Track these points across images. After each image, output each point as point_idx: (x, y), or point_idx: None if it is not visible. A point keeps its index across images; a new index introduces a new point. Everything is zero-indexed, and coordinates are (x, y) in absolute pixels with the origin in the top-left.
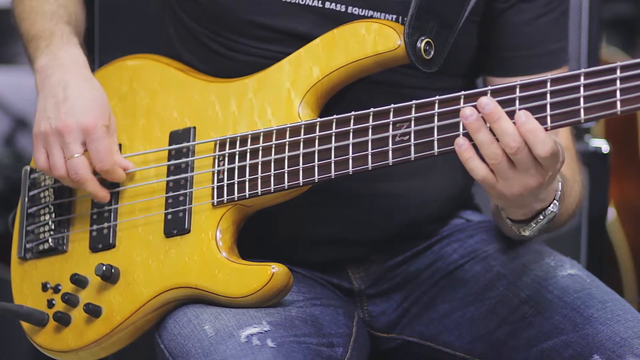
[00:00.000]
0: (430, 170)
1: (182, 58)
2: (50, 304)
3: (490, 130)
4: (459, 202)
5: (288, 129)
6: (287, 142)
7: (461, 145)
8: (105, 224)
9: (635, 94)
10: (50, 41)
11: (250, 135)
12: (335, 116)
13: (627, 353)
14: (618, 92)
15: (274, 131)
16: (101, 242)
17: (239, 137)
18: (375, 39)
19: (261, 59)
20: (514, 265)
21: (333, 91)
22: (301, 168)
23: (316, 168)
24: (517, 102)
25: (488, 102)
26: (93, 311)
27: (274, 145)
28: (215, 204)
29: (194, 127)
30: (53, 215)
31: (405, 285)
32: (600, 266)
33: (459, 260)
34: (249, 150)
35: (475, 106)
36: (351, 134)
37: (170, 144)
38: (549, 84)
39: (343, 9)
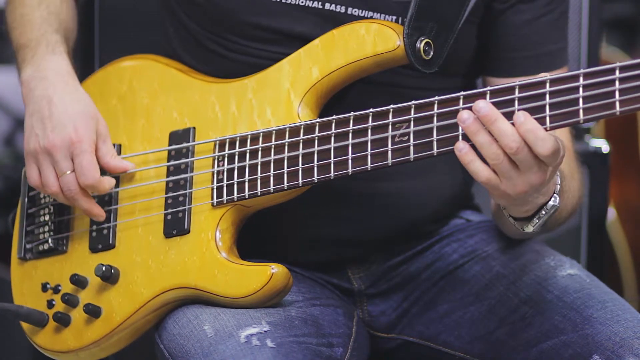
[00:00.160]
0: (429, 171)
1: (181, 58)
2: (50, 305)
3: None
4: (458, 202)
5: (287, 129)
6: (286, 143)
7: (461, 149)
8: (105, 225)
9: (635, 95)
10: (35, 51)
11: (249, 136)
12: (334, 117)
13: (626, 353)
14: (617, 93)
15: (274, 131)
16: (101, 242)
17: (238, 138)
18: (374, 39)
19: (260, 60)
20: (513, 265)
21: (332, 92)
22: (300, 168)
23: (315, 168)
24: (517, 102)
25: (483, 106)
26: (93, 312)
27: (273, 146)
28: (215, 204)
29: (194, 128)
30: (53, 215)
31: (405, 285)
32: (600, 266)
33: (459, 260)
34: (248, 150)
35: (472, 109)
36: (350, 135)
37: (170, 145)
38: (548, 85)
39: (343, 10)
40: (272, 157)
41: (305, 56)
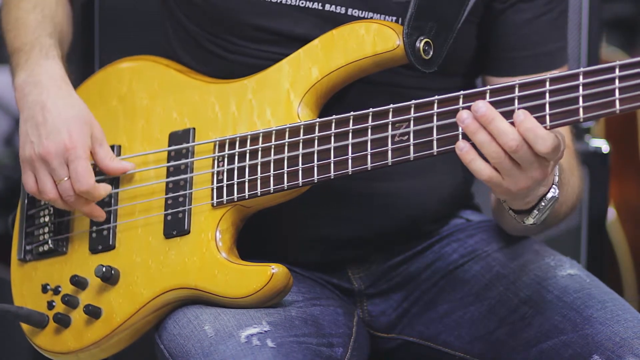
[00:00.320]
0: (429, 171)
1: (181, 59)
2: (50, 306)
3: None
4: (458, 201)
5: (287, 129)
6: (286, 143)
7: (462, 148)
8: (105, 226)
9: (634, 93)
10: (29, 56)
11: (249, 136)
12: (334, 116)
13: (626, 353)
14: (617, 91)
15: (274, 132)
16: (101, 243)
17: (238, 138)
18: (374, 39)
19: (260, 61)
20: (513, 265)
21: (332, 92)
22: (300, 168)
23: (315, 168)
24: (516, 101)
25: (481, 106)
26: (93, 312)
27: (273, 146)
28: (215, 204)
29: (194, 128)
30: (53, 217)
31: (405, 285)
32: (600, 266)
33: (459, 260)
34: (248, 151)
35: (471, 109)
36: (350, 134)
37: (169, 145)
38: (547, 84)
39: (343, 11)
40: (272, 157)
41: (304, 56)
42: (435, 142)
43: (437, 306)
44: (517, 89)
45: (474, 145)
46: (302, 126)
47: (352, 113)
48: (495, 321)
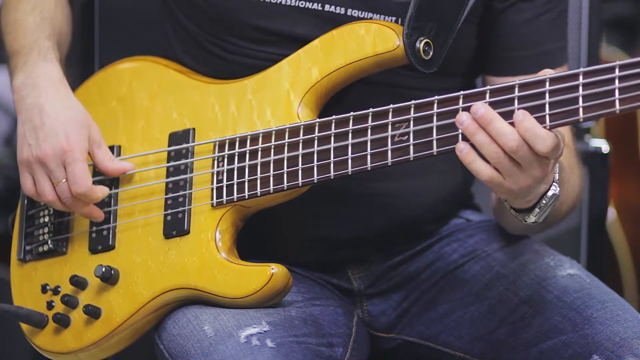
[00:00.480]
0: (429, 171)
1: (180, 60)
2: (50, 306)
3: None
4: (458, 201)
5: (287, 129)
6: (286, 143)
7: (462, 149)
8: (105, 226)
9: (634, 93)
10: (27, 58)
11: (249, 136)
12: (334, 117)
13: (626, 353)
14: (617, 91)
15: (273, 132)
16: (100, 243)
17: (238, 138)
18: (374, 39)
19: (260, 61)
20: (513, 265)
21: (332, 92)
22: (300, 168)
23: (315, 168)
24: (516, 101)
25: (480, 107)
26: (92, 312)
27: (273, 146)
28: (215, 205)
29: (194, 128)
30: (52, 217)
31: (404, 285)
32: (600, 266)
33: (459, 260)
34: (248, 151)
35: (469, 111)
36: (350, 135)
37: (169, 145)
38: (547, 84)
39: (342, 12)
40: (272, 157)
41: (304, 57)
42: (435, 142)
43: (437, 306)
44: (517, 89)
45: (473, 147)
46: (302, 126)
47: (352, 113)
48: (495, 321)
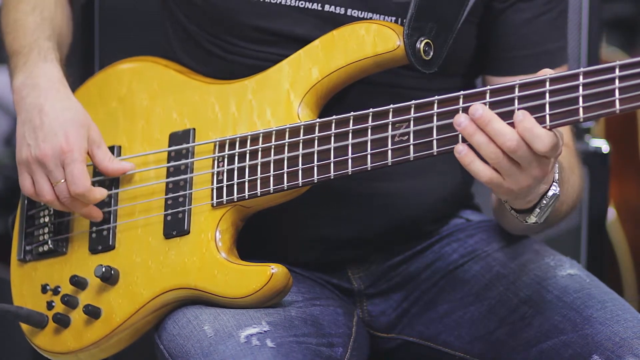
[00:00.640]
0: (429, 170)
1: (181, 60)
2: (50, 306)
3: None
4: (458, 201)
5: (287, 129)
6: (286, 143)
7: (460, 151)
8: (105, 226)
9: (634, 93)
10: (27, 58)
11: (249, 136)
12: (334, 117)
13: (626, 353)
14: (617, 91)
15: (274, 132)
16: (101, 243)
17: (238, 138)
18: (374, 39)
19: (260, 62)
20: (513, 265)
21: (332, 92)
22: (300, 168)
23: (315, 168)
24: (516, 101)
25: (478, 108)
26: (92, 312)
27: (273, 146)
28: (215, 205)
29: (194, 129)
30: (52, 217)
31: (404, 285)
32: (600, 266)
33: (459, 260)
34: (248, 151)
35: (468, 112)
36: (350, 135)
37: (169, 146)
38: (548, 83)
39: (342, 12)
40: (272, 157)
41: (305, 57)
42: (435, 143)
43: (437, 306)
44: (517, 89)
45: (472, 148)
46: (302, 126)
47: (352, 113)
48: (495, 321)
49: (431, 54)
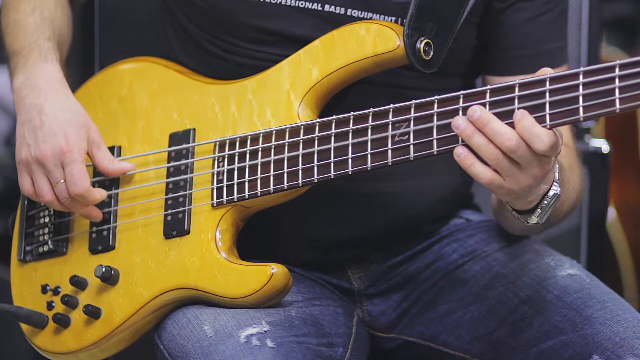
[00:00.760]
0: (429, 170)
1: (180, 60)
2: (50, 306)
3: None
4: (458, 201)
5: (287, 129)
6: (286, 143)
7: (460, 154)
8: (105, 226)
9: (634, 92)
10: (27, 59)
11: (249, 136)
12: (334, 117)
13: (626, 353)
14: (617, 91)
15: (274, 132)
16: (101, 244)
17: (238, 138)
18: (374, 39)
19: (260, 62)
20: (513, 265)
21: (333, 92)
22: (300, 168)
23: (315, 168)
24: (516, 101)
25: (475, 110)
26: (92, 312)
27: (273, 146)
28: (215, 205)
29: (194, 129)
30: (53, 217)
31: (404, 285)
32: (600, 266)
33: (459, 260)
34: (248, 151)
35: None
36: (350, 134)
37: (170, 146)
38: (548, 83)
39: (342, 12)
40: (272, 157)
41: (305, 57)
42: (435, 142)
43: (437, 306)
44: (517, 89)
45: (472, 150)
46: (302, 126)
47: (352, 113)
48: (495, 321)
49: (431, 54)
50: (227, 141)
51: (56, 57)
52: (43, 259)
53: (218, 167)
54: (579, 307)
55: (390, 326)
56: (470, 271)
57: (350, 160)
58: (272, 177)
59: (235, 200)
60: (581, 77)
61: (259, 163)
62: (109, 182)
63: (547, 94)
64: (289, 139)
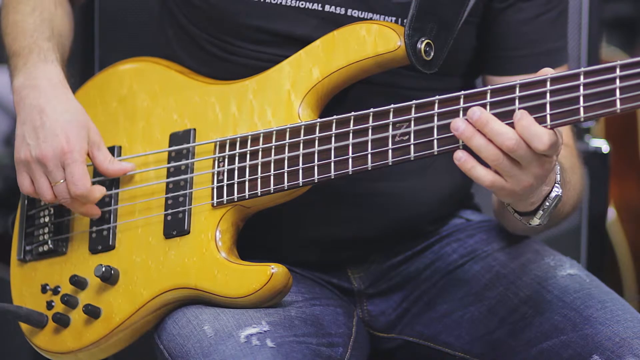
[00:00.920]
0: (429, 171)
1: (181, 60)
2: (50, 306)
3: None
4: (458, 201)
5: (288, 129)
6: (287, 143)
7: (460, 158)
8: (105, 226)
9: (635, 93)
10: (27, 59)
11: (250, 137)
12: (335, 117)
13: (626, 353)
14: (618, 91)
15: (274, 132)
16: (101, 243)
17: (239, 138)
18: (375, 40)
19: (261, 62)
20: (513, 265)
21: (333, 92)
22: (301, 168)
23: (316, 168)
24: (517, 101)
25: (475, 111)
26: (92, 312)
27: (273, 146)
28: (215, 204)
29: (194, 129)
30: (52, 217)
31: (404, 285)
32: (600, 266)
33: (459, 260)
34: (248, 151)
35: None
36: (351, 135)
37: (170, 146)
38: (548, 83)
39: (342, 12)
40: (273, 157)
41: (305, 57)
42: (435, 142)
43: (437, 306)
44: (517, 89)
45: (472, 153)
46: (302, 126)
47: (352, 113)
48: (495, 321)
49: (432, 54)
50: (228, 141)
51: (56, 57)
52: (43, 259)
53: (218, 167)
54: (579, 307)
55: (390, 326)
56: (470, 271)
57: (350, 160)
58: (272, 177)
59: (236, 200)
60: (582, 77)
61: (260, 163)
62: (109, 182)
63: (548, 94)
64: (289, 139)
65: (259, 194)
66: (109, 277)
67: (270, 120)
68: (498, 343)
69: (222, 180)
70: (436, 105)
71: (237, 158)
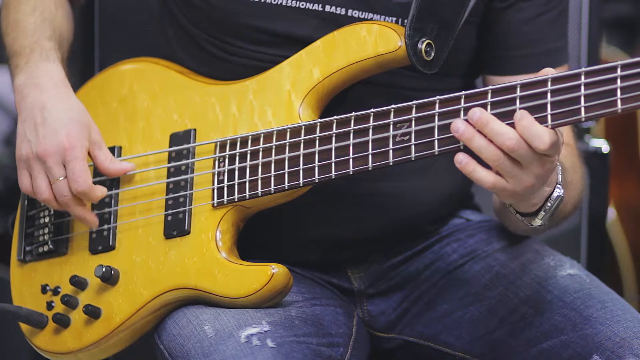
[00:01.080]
0: (429, 171)
1: (181, 60)
2: (50, 306)
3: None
4: (458, 201)
5: (288, 130)
6: (287, 143)
7: (461, 161)
8: (105, 226)
9: (636, 93)
10: (28, 58)
11: (250, 137)
12: (335, 117)
13: (626, 353)
14: (619, 91)
15: (275, 132)
16: (101, 244)
17: (239, 139)
18: (376, 40)
19: (261, 63)
20: (513, 265)
21: (334, 93)
22: (301, 168)
23: (316, 168)
24: (518, 101)
25: (475, 112)
26: (92, 312)
27: (274, 146)
28: (216, 205)
29: (194, 129)
30: (53, 217)
31: (404, 285)
32: (601, 266)
33: (459, 260)
34: (249, 151)
35: (467, 119)
36: (351, 135)
37: (170, 146)
38: (549, 83)
39: (343, 12)
40: (273, 157)
41: (306, 57)
42: (436, 142)
43: (437, 306)
44: (518, 89)
45: (473, 155)
46: (303, 127)
47: (353, 113)
48: (495, 321)
49: (432, 54)
50: (228, 141)
51: (58, 56)
52: (43, 259)
53: (219, 167)
54: (579, 307)
55: (390, 326)
56: (470, 271)
57: (351, 160)
58: (272, 177)
59: (236, 200)
60: (583, 77)
61: (260, 163)
62: (110, 182)
63: (549, 94)
64: (290, 139)
65: (260, 194)
66: (109, 278)
67: (271, 120)
68: (498, 343)
69: (222, 181)
70: (437, 106)
71: (237, 158)
